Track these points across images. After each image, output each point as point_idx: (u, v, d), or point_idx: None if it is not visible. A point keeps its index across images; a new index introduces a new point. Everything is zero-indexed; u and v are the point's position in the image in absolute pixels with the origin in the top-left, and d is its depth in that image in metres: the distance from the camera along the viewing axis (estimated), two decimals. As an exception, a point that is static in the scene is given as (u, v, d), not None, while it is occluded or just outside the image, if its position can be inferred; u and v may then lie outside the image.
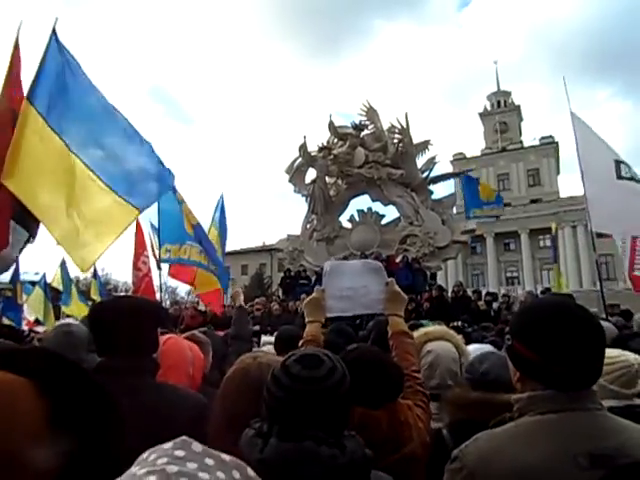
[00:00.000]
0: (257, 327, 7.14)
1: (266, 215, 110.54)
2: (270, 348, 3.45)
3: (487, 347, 3.70)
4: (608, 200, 5.77)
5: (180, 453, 0.54)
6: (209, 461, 0.54)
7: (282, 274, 15.36)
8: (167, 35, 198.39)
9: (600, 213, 5.78)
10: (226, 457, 0.57)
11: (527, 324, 1.18)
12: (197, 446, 0.57)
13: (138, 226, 8.82)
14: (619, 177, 5.95)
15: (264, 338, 3.95)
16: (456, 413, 1.82)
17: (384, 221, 15.99)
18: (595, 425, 1.08)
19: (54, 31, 4.23)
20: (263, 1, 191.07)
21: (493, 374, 1.79)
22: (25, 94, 4.03)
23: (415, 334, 2.24)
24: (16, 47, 4.13)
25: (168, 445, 0.56)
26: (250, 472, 0.58)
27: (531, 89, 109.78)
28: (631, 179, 5.99)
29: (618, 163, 6.02)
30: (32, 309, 11.19)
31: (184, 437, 0.58)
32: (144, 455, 0.56)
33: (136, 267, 8.90)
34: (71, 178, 4.06)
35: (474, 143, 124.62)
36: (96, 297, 12.14)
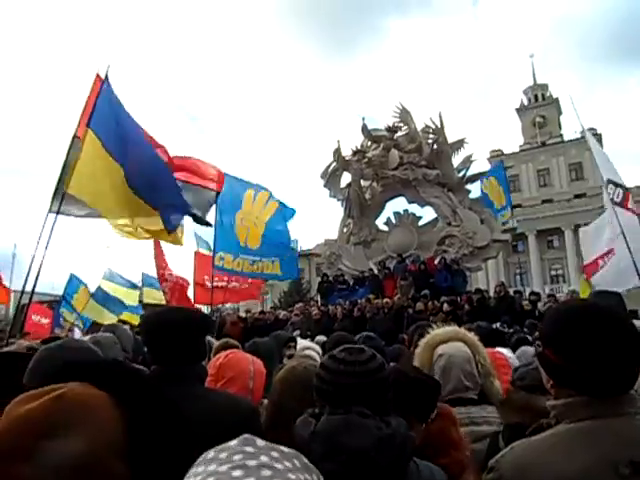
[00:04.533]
0: (297, 332, 7.19)
1: (302, 220, 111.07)
2: (311, 353, 3.46)
3: (531, 350, 3.62)
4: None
5: (250, 449, 0.58)
6: (274, 454, 0.59)
7: (319, 279, 15.38)
8: (188, 40, 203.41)
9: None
10: (285, 449, 0.61)
11: (554, 330, 1.15)
12: (260, 442, 0.60)
13: (157, 244, 9.82)
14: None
15: (303, 343, 3.92)
16: (510, 417, 1.78)
17: (421, 222, 15.81)
18: (635, 431, 1.04)
19: (107, 77, 4.90)
20: (279, 4, 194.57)
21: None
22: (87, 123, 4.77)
23: (424, 339, 2.18)
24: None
25: (234, 442, 0.60)
26: (305, 460, 0.61)
27: (564, 81, 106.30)
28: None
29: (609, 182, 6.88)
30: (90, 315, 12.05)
31: (246, 435, 0.61)
32: (210, 454, 0.58)
33: (162, 280, 9.93)
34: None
35: (509, 138, 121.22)
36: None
